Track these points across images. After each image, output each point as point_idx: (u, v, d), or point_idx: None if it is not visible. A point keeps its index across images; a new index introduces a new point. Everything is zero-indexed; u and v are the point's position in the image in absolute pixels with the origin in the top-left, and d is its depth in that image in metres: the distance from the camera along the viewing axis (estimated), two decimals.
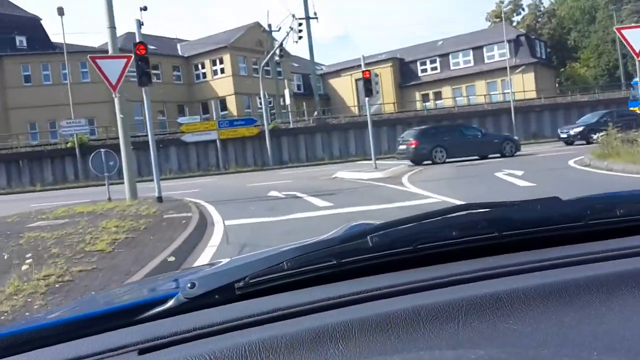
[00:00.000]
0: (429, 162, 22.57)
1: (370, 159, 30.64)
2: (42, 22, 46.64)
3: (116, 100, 14.02)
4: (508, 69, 35.05)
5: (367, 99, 19.97)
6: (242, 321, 0.84)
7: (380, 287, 0.89)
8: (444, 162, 22.51)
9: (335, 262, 0.99)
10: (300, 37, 28.97)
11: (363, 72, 19.47)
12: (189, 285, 0.96)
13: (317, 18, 33.43)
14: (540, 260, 0.96)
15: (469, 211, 1.12)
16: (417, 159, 22.71)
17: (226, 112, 43.51)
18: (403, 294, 0.88)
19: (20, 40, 43.41)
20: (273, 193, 15.10)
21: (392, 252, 1.01)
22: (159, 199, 13.57)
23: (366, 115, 37.37)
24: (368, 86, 19.48)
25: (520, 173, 14.60)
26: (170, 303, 0.96)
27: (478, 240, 1.05)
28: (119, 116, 14.09)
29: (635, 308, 0.78)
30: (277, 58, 31.96)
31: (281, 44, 32.00)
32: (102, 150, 15.19)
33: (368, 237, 1.01)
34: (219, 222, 10.21)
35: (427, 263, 1.01)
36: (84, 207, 13.37)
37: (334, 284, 0.96)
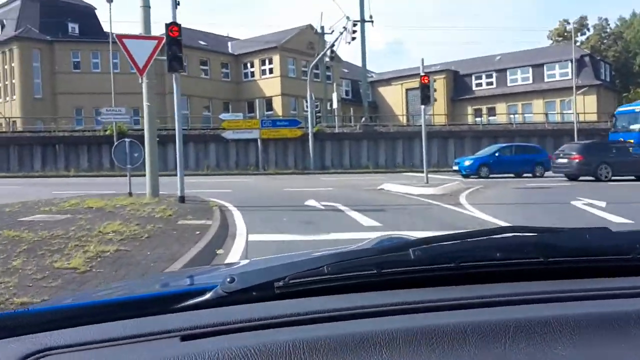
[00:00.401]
0: (591, 178, 20.72)
1: (419, 172, 28.56)
2: (96, 11, 46.11)
3: (143, 86, 12.28)
4: (574, 88, 32.22)
5: (422, 106, 17.78)
6: (283, 319, 0.84)
7: (424, 300, 0.89)
8: (609, 180, 20.67)
9: (375, 271, 0.97)
10: (353, 38, 26.88)
11: (422, 77, 17.30)
12: (228, 279, 0.96)
13: (372, 21, 31.27)
14: (588, 290, 0.94)
15: (515, 234, 1.10)
16: (578, 174, 21.04)
17: (271, 112, 41.88)
18: (448, 309, 0.86)
19: (73, 27, 42.80)
20: (311, 202, 13.09)
21: (434, 267, 0.99)
22: (181, 198, 11.73)
23: (416, 125, 35.33)
24: (426, 93, 17.30)
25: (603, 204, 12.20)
26: (208, 295, 0.96)
27: (522, 264, 1.02)
28: (145, 104, 12.34)
29: None
30: (327, 59, 30.01)
31: (333, 45, 29.97)
32: (126, 139, 13.45)
33: (410, 250, 0.99)
34: (242, 236, 8.25)
35: (468, 281, 0.99)
36: (97, 201, 11.64)
37: (372, 292, 0.94)
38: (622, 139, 26.35)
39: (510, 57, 50.16)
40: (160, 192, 13.44)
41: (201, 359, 0.72)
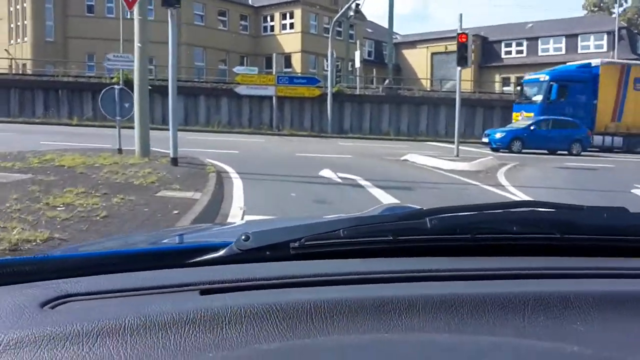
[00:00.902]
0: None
1: (444, 141, 26.29)
2: None
3: (135, 23, 10.17)
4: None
5: (458, 68, 15.48)
6: (301, 279, 0.83)
7: (440, 269, 0.88)
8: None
9: (392, 237, 0.96)
10: None
11: (459, 34, 14.94)
12: (243, 237, 0.93)
13: None
14: (604, 268, 0.93)
15: (532, 208, 1.07)
16: None
17: (290, 69, 39.43)
18: (465, 279, 0.86)
19: None
20: (326, 173, 11.07)
21: (450, 237, 0.98)
22: (174, 160, 9.77)
23: (442, 91, 32.82)
24: (463, 53, 14.96)
25: None
26: (223, 252, 0.95)
27: (539, 239, 1.01)
28: (136, 44, 10.26)
29: None
30: (351, 13, 27.42)
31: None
32: (115, 86, 11.45)
33: (427, 218, 0.98)
34: (235, 218, 6.28)
35: (482, 253, 0.98)
36: (76, 157, 9.74)
37: (387, 259, 0.94)
38: (523, 112, 24.56)
39: (543, 25, 46.90)
40: (157, 149, 11.50)
41: (223, 313, 0.70)
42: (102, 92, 11.49)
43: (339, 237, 0.95)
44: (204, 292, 0.79)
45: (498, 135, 21.86)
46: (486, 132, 22.94)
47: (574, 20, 47.47)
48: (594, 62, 26.04)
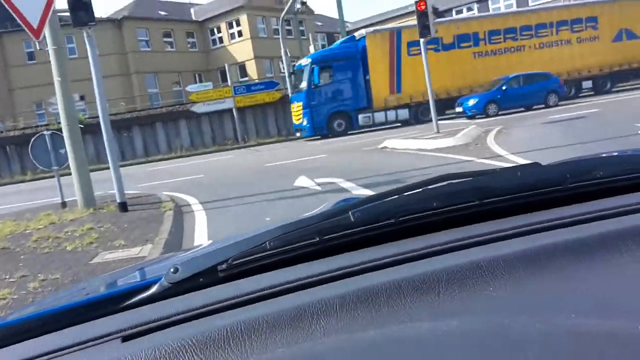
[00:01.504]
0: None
1: (416, 122, 24.93)
2: None
3: (51, 53, 8.51)
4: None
5: (421, 40, 14.03)
6: (225, 303, 0.80)
7: (362, 261, 0.86)
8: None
9: (318, 239, 0.94)
10: None
11: (417, 2, 13.51)
12: (172, 270, 0.90)
13: None
14: (519, 226, 0.92)
15: (450, 181, 1.07)
16: None
17: (246, 78, 37.78)
18: (383, 267, 0.84)
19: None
20: (302, 181, 9.58)
21: (374, 226, 0.96)
22: (122, 205, 8.15)
23: None
24: (424, 21, 13.53)
25: None
26: (154, 289, 0.90)
27: (458, 210, 1.00)
28: (55, 79, 8.59)
29: (615, 269, 0.75)
30: (298, 6, 25.82)
31: None
32: (46, 132, 9.75)
33: (350, 212, 0.96)
34: None
35: (409, 235, 0.96)
36: (6, 225, 8.08)
37: (317, 261, 0.91)
38: (300, 104, 22.17)
39: None
40: (112, 192, 9.83)
41: (138, 358, 0.67)
42: (32, 141, 9.80)
43: (266, 250, 0.92)
44: (125, 339, 0.76)
45: (471, 102, 20.62)
46: (459, 100, 21.62)
47: None
48: (358, 34, 23.37)
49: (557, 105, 20.51)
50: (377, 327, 0.68)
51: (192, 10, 43.04)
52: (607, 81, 25.02)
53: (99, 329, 0.80)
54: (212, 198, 9.22)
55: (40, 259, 5.61)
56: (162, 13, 40.14)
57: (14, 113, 32.07)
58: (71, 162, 8.81)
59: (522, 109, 20.87)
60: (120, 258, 5.24)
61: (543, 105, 20.71)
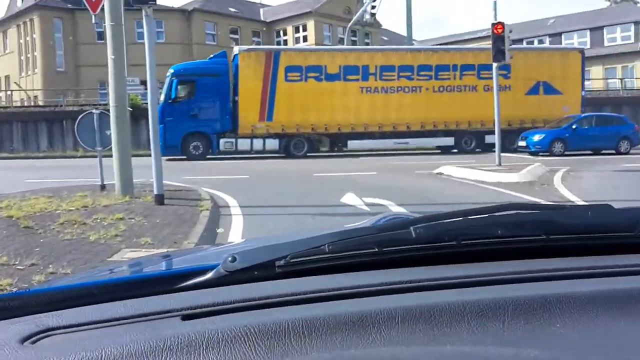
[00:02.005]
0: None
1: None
2: None
3: (107, 30, 8.15)
4: None
5: (494, 64, 13.19)
6: (284, 298, 0.81)
7: (424, 278, 0.86)
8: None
9: (377, 249, 0.95)
10: None
11: (494, 25, 12.70)
12: (230, 259, 0.92)
13: None
14: (589, 267, 0.91)
15: (517, 211, 1.06)
16: None
17: None
18: (448, 287, 0.84)
19: None
20: (350, 198, 8.89)
21: (436, 245, 0.96)
22: (159, 198, 7.66)
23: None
24: (499, 46, 12.71)
25: None
26: (210, 274, 0.93)
27: (524, 242, 0.99)
28: (109, 57, 8.22)
29: None
30: (367, 17, 25.21)
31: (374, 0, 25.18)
32: (94, 111, 9.44)
33: (411, 227, 0.96)
34: None
35: (470, 259, 0.96)
36: (39, 202, 7.70)
37: (374, 271, 0.92)
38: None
39: (565, 19, 44.36)
40: (167, 182, 9.37)
41: (202, 338, 0.69)
42: (79, 118, 9.50)
43: (324, 253, 0.94)
44: (185, 318, 0.78)
45: (537, 138, 19.41)
46: (523, 134, 20.46)
47: (598, 12, 44.84)
48: (234, 50, 21.08)
49: (627, 153, 19.17)
50: (439, 345, 0.68)
51: (261, 10, 43.17)
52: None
53: (160, 305, 0.82)
54: (253, 202, 8.65)
55: (58, 246, 5.12)
56: (232, 10, 40.37)
57: (78, 89, 32.70)
58: (114, 144, 8.40)
59: (590, 151, 19.59)
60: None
61: (613, 151, 19.39)
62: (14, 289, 3.81)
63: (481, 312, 0.74)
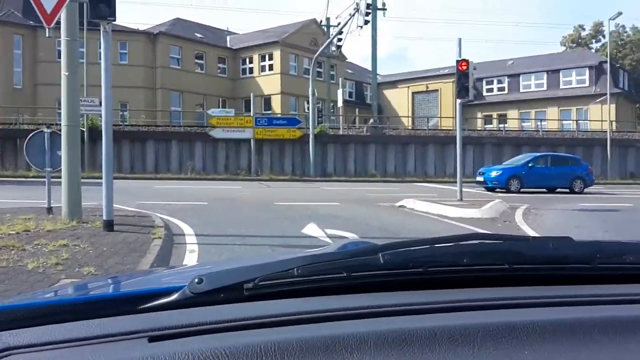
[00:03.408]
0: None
1: (434, 181, 24.00)
2: None
3: (62, 45, 7.72)
4: (608, 95, 27.77)
5: (458, 101, 13.24)
6: (252, 321, 0.81)
7: (393, 304, 0.87)
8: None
9: (345, 274, 0.94)
10: (366, 22, 22.06)
11: (459, 62, 12.75)
12: (196, 280, 0.90)
13: (385, 9, 26.61)
14: (552, 297, 0.93)
15: (481, 241, 1.09)
16: None
17: (270, 111, 37.29)
18: (417, 313, 0.85)
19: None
20: (311, 229, 8.57)
21: (403, 271, 0.97)
22: (108, 224, 7.17)
23: (429, 129, 30.69)
24: (464, 82, 12.75)
25: None
26: (175, 296, 0.91)
27: (488, 270, 1.01)
28: (63, 74, 7.78)
29: None
30: (333, 49, 25.42)
31: (341, 31, 25.34)
32: (45, 130, 8.93)
33: (380, 254, 0.97)
34: None
35: (435, 286, 0.97)
36: None
37: (341, 295, 0.92)
38: None
39: (524, 61, 45.72)
40: (117, 206, 8.85)
41: None
42: (28, 137, 8.96)
43: (293, 276, 0.93)
44: (152, 339, 0.76)
45: (494, 174, 19.59)
46: (480, 170, 20.66)
47: (555, 56, 46.50)
48: None
49: (582, 193, 19.50)
50: None
51: (227, 38, 43.06)
52: None
53: (126, 326, 0.80)
54: (210, 231, 8.23)
55: None
56: (198, 35, 40.11)
57: (35, 108, 31.66)
58: (63, 165, 7.91)
59: (545, 189, 19.85)
60: None
61: (567, 190, 19.70)
62: None
63: (451, 337, 0.74)
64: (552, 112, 41.91)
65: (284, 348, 0.70)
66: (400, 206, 12.80)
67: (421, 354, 0.71)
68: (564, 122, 39.72)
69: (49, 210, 8.74)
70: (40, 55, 35.12)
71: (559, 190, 19.71)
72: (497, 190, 19.11)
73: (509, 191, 18.87)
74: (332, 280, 0.94)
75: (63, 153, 7.84)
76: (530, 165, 19.73)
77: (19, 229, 6.85)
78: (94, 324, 0.82)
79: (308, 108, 27.30)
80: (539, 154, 20.91)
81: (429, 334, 0.75)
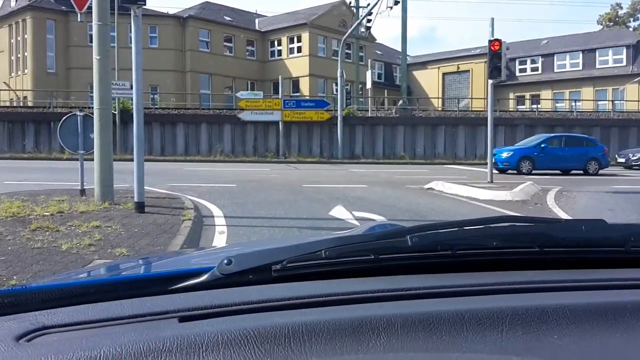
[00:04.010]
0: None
1: (463, 164, 23.73)
2: None
3: (94, 29, 7.83)
4: None
5: (490, 81, 12.99)
6: (280, 303, 0.81)
7: (420, 287, 0.86)
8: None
9: (373, 257, 0.95)
10: (396, 2, 21.78)
11: (491, 42, 12.49)
12: (225, 261, 0.92)
13: None
14: (582, 280, 0.92)
15: (512, 223, 1.07)
16: None
17: (298, 94, 37.24)
18: (445, 296, 0.85)
19: None
20: (339, 211, 8.59)
21: (431, 254, 0.97)
22: (139, 206, 7.31)
23: (460, 110, 30.23)
24: (496, 63, 12.49)
25: None
26: (205, 277, 0.92)
27: (518, 253, 1.00)
28: (94, 57, 7.90)
29: None
30: (362, 30, 25.12)
31: (370, 12, 25.05)
32: (78, 113, 9.09)
33: (408, 236, 0.96)
34: None
35: (464, 269, 0.97)
36: (12, 206, 7.31)
37: (369, 278, 0.92)
38: None
39: (559, 41, 44.52)
40: (149, 188, 9.01)
41: (201, 340, 0.69)
42: (62, 120, 9.13)
43: (321, 258, 0.93)
44: (183, 319, 0.77)
45: (505, 155, 19.08)
46: (493, 150, 20.35)
47: (591, 35, 45.12)
48: None
49: (596, 174, 18.99)
50: (438, 352, 0.68)
51: (256, 20, 43.02)
52: None
53: (157, 306, 0.81)
54: (239, 213, 8.31)
55: (26, 255, 4.76)
56: (227, 18, 40.16)
57: (68, 91, 32.25)
58: (96, 148, 8.05)
59: (558, 171, 19.32)
60: None
61: (582, 172, 19.17)
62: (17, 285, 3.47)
63: (479, 321, 0.74)
64: (587, 92, 40.82)
65: (312, 330, 0.71)
66: (428, 188, 12.70)
67: (448, 337, 0.71)
68: (599, 102, 38.65)
69: (82, 192, 8.94)
70: (73, 40, 35.69)
71: (573, 172, 19.22)
72: (508, 171, 18.70)
73: (519, 173, 18.43)
74: (360, 263, 0.95)
75: (95, 136, 7.98)
76: (542, 146, 19.20)
77: (53, 211, 7.03)
78: (125, 304, 0.83)
79: (336, 90, 27.16)
80: (552, 134, 20.41)
81: (456, 317, 0.75)
